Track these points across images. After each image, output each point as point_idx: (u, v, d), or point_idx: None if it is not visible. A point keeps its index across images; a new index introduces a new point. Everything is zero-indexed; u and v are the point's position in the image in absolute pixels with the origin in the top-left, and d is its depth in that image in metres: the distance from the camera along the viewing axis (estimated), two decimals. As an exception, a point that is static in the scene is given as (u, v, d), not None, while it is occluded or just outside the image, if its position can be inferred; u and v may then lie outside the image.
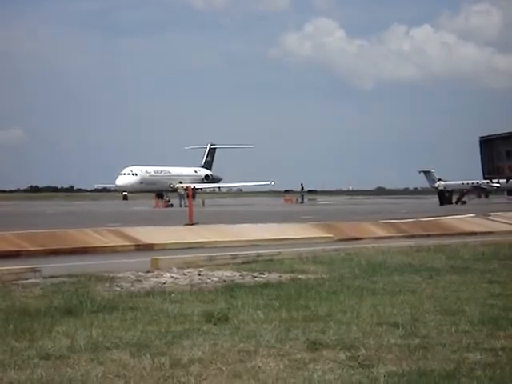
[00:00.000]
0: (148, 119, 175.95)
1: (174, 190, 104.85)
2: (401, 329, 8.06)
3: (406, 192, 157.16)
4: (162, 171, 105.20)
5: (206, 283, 12.10)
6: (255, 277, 12.78)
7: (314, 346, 7.29)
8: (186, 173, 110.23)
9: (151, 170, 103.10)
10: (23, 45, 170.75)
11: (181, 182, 78.66)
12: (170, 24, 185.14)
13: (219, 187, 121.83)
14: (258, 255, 15.75)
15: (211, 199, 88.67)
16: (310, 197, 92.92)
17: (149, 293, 10.83)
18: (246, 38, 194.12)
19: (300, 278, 12.44)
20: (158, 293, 10.80)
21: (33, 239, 17.40)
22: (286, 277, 12.66)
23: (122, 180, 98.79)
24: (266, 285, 11.65)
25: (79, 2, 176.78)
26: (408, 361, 6.77)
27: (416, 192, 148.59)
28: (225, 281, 12.30)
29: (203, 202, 64.69)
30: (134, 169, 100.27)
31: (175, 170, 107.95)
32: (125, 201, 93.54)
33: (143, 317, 8.87)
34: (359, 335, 7.76)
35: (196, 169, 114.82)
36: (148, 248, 18.25)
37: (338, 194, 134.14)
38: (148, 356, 6.90)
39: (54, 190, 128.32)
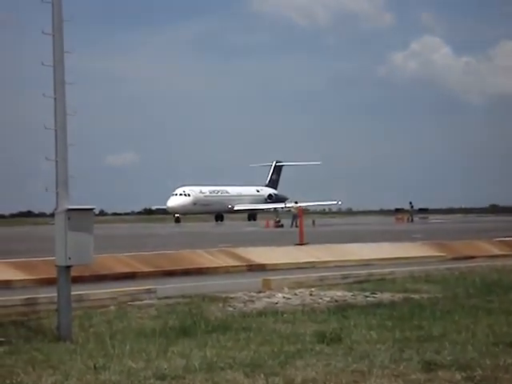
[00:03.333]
0: (244, 140, 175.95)
1: (232, 210, 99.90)
2: (518, 349, 7.88)
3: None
4: (218, 191, 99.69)
5: (318, 303, 12.09)
6: (367, 296, 12.70)
7: (429, 366, 7.19)
8: (247, 192, 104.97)
9: (206, 190, 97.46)
10: (133, 70, 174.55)
11: (296, 202, 74.52)
12: (275, 45, 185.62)
13: (330, 207, 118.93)
14: (370, 275, 15.66)
15: (321, 219, 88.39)
16: (421, 215, 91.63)
17: (261, 313, 10.89)
18: (351, 56, 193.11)
19: (413, 298, 12.30)
20: (271, 313, 10.85)
21: (147, 261, 17.73)
22: (398, 296, 12.55)
23: (174, 201, 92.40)
24: (379, 305, 11.57)
25: (189, 26, 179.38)
26: (526, 382, 6.61)
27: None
28: (336, 301, 12.27)
29: (313, 222, 64.61)
30: (187, 189, 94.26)
31: (234, 190, 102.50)
32: (177, 223, 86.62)
33: (256, 337, 8.92)
34: (475, 355, 7.61)
35: (259, 188, 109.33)
36: (260, 268, 18.36)
37: (449, 213, 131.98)
38: (262, 376, 6.93)
39: (167, 212, 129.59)
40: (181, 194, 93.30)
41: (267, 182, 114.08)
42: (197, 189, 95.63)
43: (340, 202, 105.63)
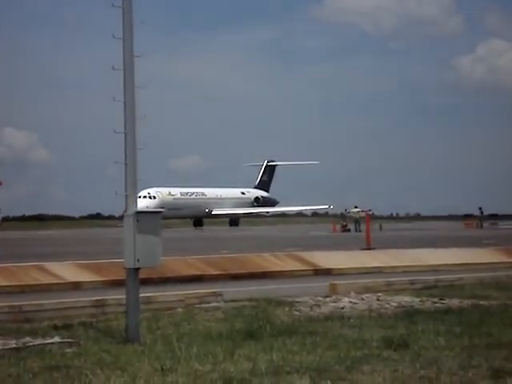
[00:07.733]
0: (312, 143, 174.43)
1: (210, 215, 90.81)
2: None
3: None
4: (193, 193, 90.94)
5: (385, 308, 12.01)
6: (435, 302, 12.57)
7: (498, 373, 7.10)
8: (228, 195, 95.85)
9: (177, 191, 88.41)
10: (200, 74, 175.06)
11: (356, 207, 71.80)
12: (339, 50, 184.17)
13: (397, 213, 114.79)
14: (438, 280, 15.50)
15: (388, 223, 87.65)
16: (491, 221, 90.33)
17: (327, 317, 10.86)
18: (416, 62, 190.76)
19: (482, 304, 12.14)
20: (337, 317, 10.82)
21: (214, 263, 17.83)
22: (467, 303, 12.39)
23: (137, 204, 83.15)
24: (447, 311, 11.45)
25: (253, 31, 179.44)
26: None
27: None
28: (404, 306, 12.17)
29: (380, 227, 64.20)
30: (153, 191, 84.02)
31: (213, 192, 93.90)
32: None
33: (322, 341, 8.89)
34: (546, 363, 7.49)
35: (245, 190, 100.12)
36: (326, 272, 18.32)
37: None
38: (328, 381, 6.92)
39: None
40: (145, 197, 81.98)
41: (256, 183, 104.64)
42: (165, 190, 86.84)
43: (332, 207, 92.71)
